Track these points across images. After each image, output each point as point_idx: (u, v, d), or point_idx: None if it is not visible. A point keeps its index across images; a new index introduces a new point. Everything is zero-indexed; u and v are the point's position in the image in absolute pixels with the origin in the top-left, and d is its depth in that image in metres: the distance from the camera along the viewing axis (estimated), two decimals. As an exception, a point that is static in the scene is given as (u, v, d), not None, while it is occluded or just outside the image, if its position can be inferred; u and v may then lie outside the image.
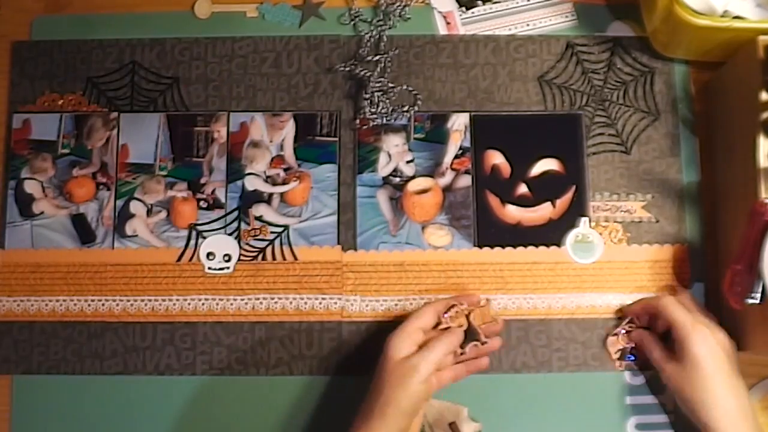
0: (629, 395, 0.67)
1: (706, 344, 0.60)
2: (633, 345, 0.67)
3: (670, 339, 0.63)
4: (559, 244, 0.69)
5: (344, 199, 0.70)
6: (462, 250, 0.69)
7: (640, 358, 0.67)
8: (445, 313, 0.63)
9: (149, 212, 0.71)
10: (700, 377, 0.60)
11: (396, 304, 0.68)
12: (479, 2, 0.74)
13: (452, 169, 0.71)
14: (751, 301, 0.59)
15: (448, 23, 0.74)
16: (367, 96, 0.70)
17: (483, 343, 0.63)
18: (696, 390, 0.60)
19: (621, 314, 0.68)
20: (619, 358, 0.67)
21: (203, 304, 0.69)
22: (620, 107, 0.72)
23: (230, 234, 0.70)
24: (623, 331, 0.67)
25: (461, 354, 0.62)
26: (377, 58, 0.72)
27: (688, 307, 0.64)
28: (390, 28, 0.73)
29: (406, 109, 0.71)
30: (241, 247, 0.70)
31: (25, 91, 0.73)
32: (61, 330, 0.69)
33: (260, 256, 0.70)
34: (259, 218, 0.70)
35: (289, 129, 0.72)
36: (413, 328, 0.61)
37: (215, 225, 0.70)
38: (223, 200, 0.71)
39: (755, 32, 0.61)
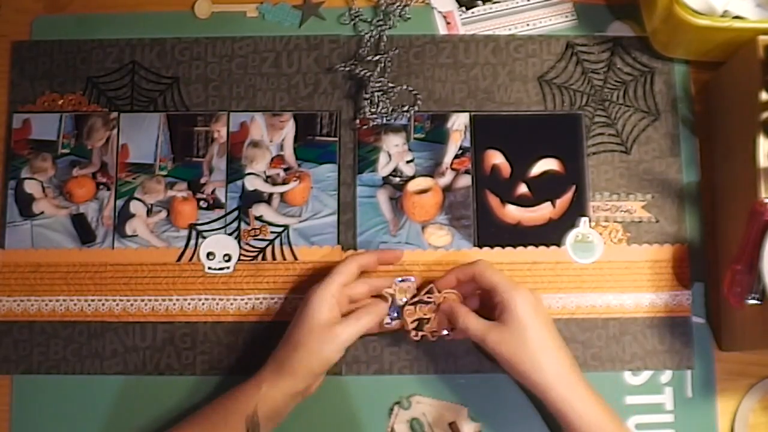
0: (629, 395, 0.67)
1: (531, 304, 0.59)
2: (429, 317, 0.63)
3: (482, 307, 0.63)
4: (559, 244, 0.69)
5: (344, 199, 0.70)
6: (462, 250, 0.69)
7: (444, 329, 0.63)
8: (401, 280, 0.63)
9: (149, 212, 0.71)
10: (530, 339, 0.58)
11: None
12: (479, 2, 0.74)
13: (452, 169, 0.71)
14: (751, 301, 0.59)
15: (448, 23, 0.74)
16: (367, 96, 0.70)
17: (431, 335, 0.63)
18: (527, 352, 0.58)
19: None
20: (415, 329, 0.63)
21: (203, 304, 0.69)
22: (620, 107, 0.72)
23: (230, 234, 0.70)
24: (421, 302, 0.63)
25: (386, 324, 0.63)
26: (377, 58, 0.72)
27: (495, 271, 0.62)
28: (390, 28, 0.73)
29: (406, 109, 0.71)
30: (241, 247, 0.70)
31: (25, 91, 0.73)
32: (61, 330, 0.69)
33: (260, 256, 0.70)
34: (259, 218, 0.70)
35: (289, 129, 0.72)
36: (336, 286, 0.61)
37: (215, 225, 0.70)
38: (223, 200, 0.71)
39: (755, 32, 0.61)
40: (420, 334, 0.64)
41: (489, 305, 0.62)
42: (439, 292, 0.64)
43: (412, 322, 0.63)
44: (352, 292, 0.63)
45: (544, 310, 0.61)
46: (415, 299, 0.64)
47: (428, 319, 0.63)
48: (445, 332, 0.63)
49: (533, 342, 0.59)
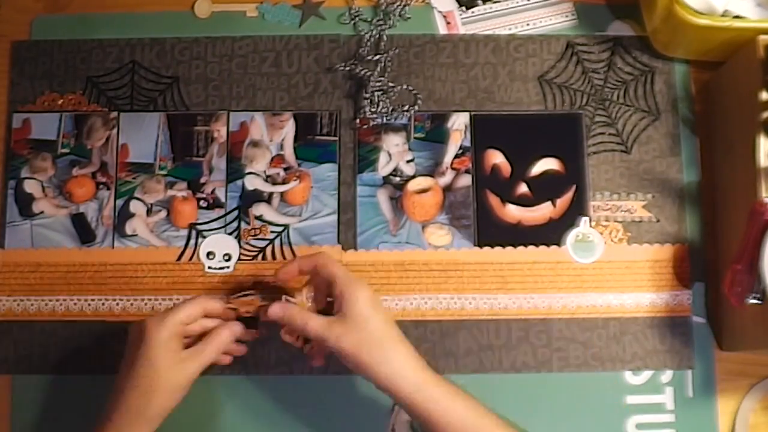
0: (629, 395, 0.67)
1: (370, 298, 0.57)
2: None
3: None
4: (559, 244, 0.69)
5: (344, 198, 0.70)
6: (462, 249, 0.69)
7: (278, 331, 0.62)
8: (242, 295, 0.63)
9: (149, 212, 0.71)
10: (373, 330, 0.56)
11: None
12: (479, 2, 0.74)
13: (452, 169, 0.71)
14: (751, 300, 0.59)
15: (448, 23, 0.74)
16: (367, 95, 0.70)
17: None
18: (371, 344, 0.56)
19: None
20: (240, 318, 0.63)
21: (203, 303, 0.69)
22: (620, 107, 0.72)
23: (230, 233, 0.70)
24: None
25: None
26: (377, 57, 0.72)
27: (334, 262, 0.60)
28: (390, 27, 0.73)
29: (406, 108, 0.71)
30: (241, 247, 0.70)
31: (25, 90, 0.73)
32: (61, 330, 0.69)
33: (260, 256, 0.70)
34: (259, 218, 0.70)
35: (289, 128, 0.72)
36: (177, 322, 0.59)
37: (215, 224, 0.70)
38: (223, 200, 0.71)
39: (755, 32, 0.61)
40: (250, 331, 0.63)
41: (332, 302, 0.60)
42: (279, 280, 0.62)
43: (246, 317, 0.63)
44: (188, 329, 0.61)
45: (381, 304, 0.59)
46: (255, 307, 0.62)
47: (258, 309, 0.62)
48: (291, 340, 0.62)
49: (375, 333, 0.57)
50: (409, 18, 0.74)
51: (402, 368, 0.56)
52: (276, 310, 0.59)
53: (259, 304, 0.63)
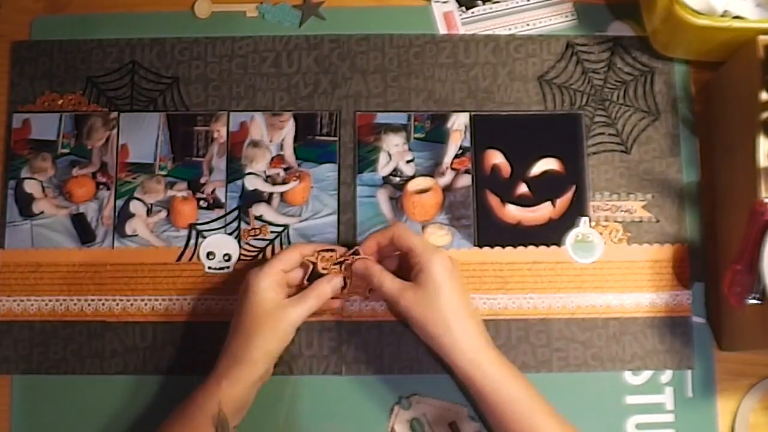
0: (629, 395, 0.67)
1: (447, 269, 0.60)
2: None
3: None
4: (559, 244, 0.69)
5: (344, 198, 0.70)
6: (462, 249, 0.69)
7: (361, 291, 0.65)
8: (325, 250, 0.64)
9: (149, 212, 0.71)
10: (443, 301, 0.59)
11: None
12: (479, 2, 0.74)
13: (452, 169, 0.71)
14: (751, 300, 0.59)
15: (448, 23, 0.74)
16: None
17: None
18: (439, 314, 0.59)
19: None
20: (308, 278, 0.64)
21: (203, 304, 0.69)
22: (620, 107, 0.72)
23: (230, 234, 0.70)
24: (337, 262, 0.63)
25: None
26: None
27: (412, 234, 0.63)
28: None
29: None
30: (241, 247, 0.70)
31: (25, 91, 0.73)
32: (61, 330, 0.69)
33: (260, 256, 0.70)
34: (259, 218, 0.70)
35: (289, 129, 0.72)
36: (277, 270, 0.61)
37: (215, 225, 0.70)
38: (223, 200, 0.71)
39: (755, 32, 0.61)
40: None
41: (406, 268, 0.63)
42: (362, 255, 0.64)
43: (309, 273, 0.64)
44: (290, 277, 0.63)
45: (459, 278, 0.61)
46: (332, 263, 0.64)
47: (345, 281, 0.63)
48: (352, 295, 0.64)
49: (445, 305, 0.59)
50: None
51: (463, 342, 0.59)
52: (359, 265, 0.63)
53: (337, 259, 0.64)
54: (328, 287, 0.63)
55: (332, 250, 0.64)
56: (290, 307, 0.61)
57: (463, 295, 0.61)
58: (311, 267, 0.64)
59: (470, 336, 0.59)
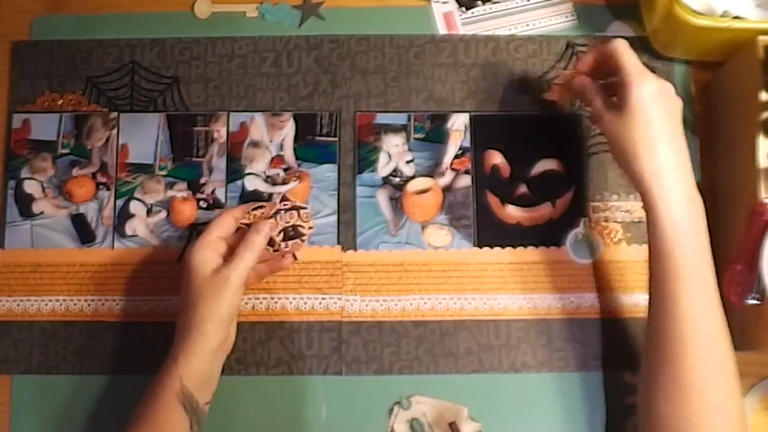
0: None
1: (650, 93, 0.57)
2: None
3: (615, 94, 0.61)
4: (559, 244, 0.69)
5: (344, 199, 0.70)
6: (462, 250, 0.69)
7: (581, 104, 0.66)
8: (253, 208, 0.63)
9: (149, 212, 0.71)
10: (639, 125, 0.57)
11: (396, 304, 0.68)
12: (479, 2, 0.74)
13: (452, 169, 0.71)
14: (751, 300, 0.59)
15: (448, 23, 0.74)
16: None
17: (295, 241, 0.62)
18: (632, 139, 0.57)
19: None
20: (284, 239, 0.63)
21: (203, 304, 0.69)
22: (620, 107, 0.72)
23: (230, 234, 0.70)
24: (278, 211, 0.63)
25: (274, 251, 0.63)
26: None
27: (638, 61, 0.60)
28: None
29: None
30: (241, 247, 0.70)
31: (25, 91, 0.73)
32: (61, 330, 0.69)
33: (260, 256, 0.70)
34: (259, 218, 0.70)
35: (289, 129, 0.72)
36: (213, 239, 0.61)
37: (215, 225, 0.70)
38: (223, 200, 0.71)
39: (755, 32, 0.62)
40: (289, 243, 0.63)
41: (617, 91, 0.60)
42: (576, 71, 0.64)
43: (278, 235, 0.63)
44: (230, 243, 0.62)
45: (665, 104, 0.58)
46: (556, 79, 0.64)
47: (293, 227, 0.63)
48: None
49: (639, 132, 0.57)
50: None
51: (653, 172, 0.56)
52: (578, 81, 0.62)
53: (269, 215, 0.63)
54: (257, 236, 0.61)
55: (262, 207, 0.63)
56: (225, 268, 0.60)
57: (663, 124, 0.57)
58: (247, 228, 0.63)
59: (660, 168, 0.56)
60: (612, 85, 0.62)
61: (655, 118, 0.57)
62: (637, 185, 0.58)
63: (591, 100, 0.61)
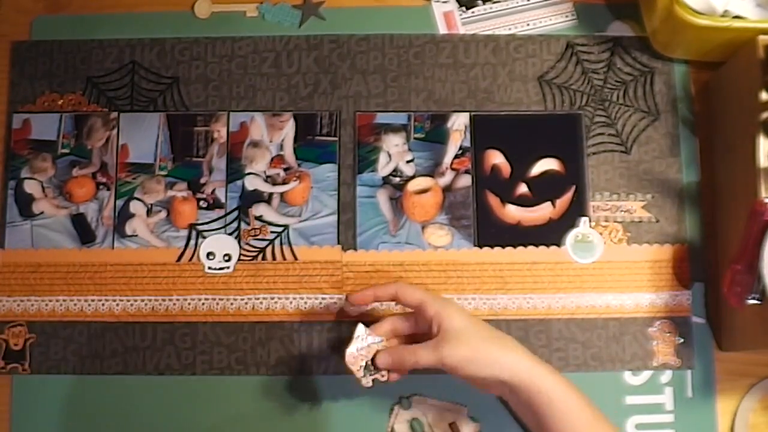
0: (629, 395, 0.67)
1: (463, 312, 0.59)
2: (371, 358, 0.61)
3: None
4: (559, 244, 0.69)
5: (344, 199, 0.70)
6: (462, 250, 0.69)
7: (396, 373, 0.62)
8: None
9: (149, 212, 0.71)
10: (478, 339, 0.58)
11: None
12: (479, 2, 0.74)
13: (452, 169, 0.71)
14: (751, 301, 0.59)
15: (448, 23, 0.74)
16: None
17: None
18: (482, 351, 0.57)
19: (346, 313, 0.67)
20: (364, 375, 0.61)
21: (203, 304, 0.69)
22: (620, 107, 0.72)
23: (230, 234, 0.70)
24: (359, 348, 0.61)
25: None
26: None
27: (412, 290, 0.61)
28: None
29: None
30: (241, 247, 0.70)
31: (25, 91, 0.73)
32: (61, 330, 0.69)
33: (260, 256, 0.70)
34: (259, 218, 0.70)
35: (289, 129, 0.72)
36: None
37: (215, 225, 0.70)
38: (223, 200, 0.71)
39: (755, 32, 0.61)
40: (371, 379, 0.61)
41: (419, 323, 0.62)
42: (353, 305, 0.64)
43: (358, 369, 0.61)
44: None
45: (471, 316, 0.60)
46: (350, 348, 0.61)
47: (372, 360, 0.61)
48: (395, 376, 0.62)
49: (482, 340, 0.58)
50: None
51: (514, 364, 0.57)
52: (384, 359, 0.60)
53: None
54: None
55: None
56: None
57: (490, 329, 0.60)
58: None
59: (517, 357, 0.58)
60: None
61: (482, 325, 0.59)
62: (508, 383, 0.57)
63: (416, 356, 0.59)
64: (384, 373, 0.61)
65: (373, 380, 0.61)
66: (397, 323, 0.63)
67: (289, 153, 0.72)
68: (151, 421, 0.67)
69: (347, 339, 0.61)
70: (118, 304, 0.69)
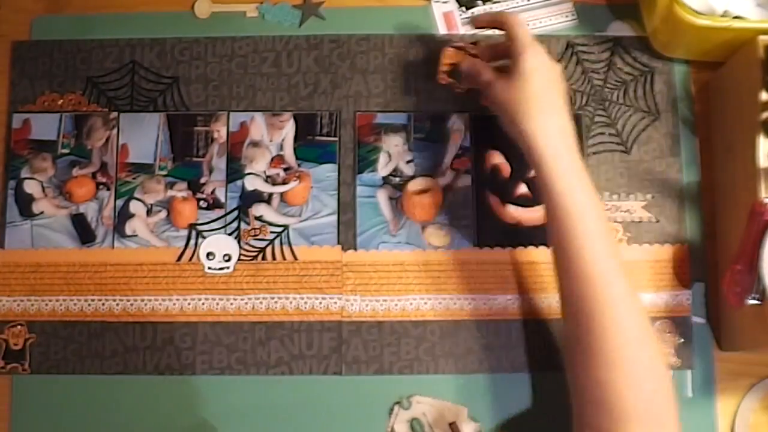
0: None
1: (539, 61, 0.61)
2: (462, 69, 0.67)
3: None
4: (559, 244, 0.69)
5: (344, 198, 0.70)
6: (462, 249, 0.69)
7: (470, 84, 0.67)
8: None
9: (149, 212, 0.71)
10: (530, 88, 0.60)
11: (396, 304, 0.68)
12: (479, 2, 0.74)
13: (452, 169, 0.71)
14: (751, 301, 0.59)
15: (448, 23, 0.74)
16: None
17: None
18: (520, 101, 0.60)
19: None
20: (446, 72, 0.68)
21: (203, 304, 0.69)
22: (620, 107, 0.72)
23: (230, 234, 0.70)
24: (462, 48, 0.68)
25: None
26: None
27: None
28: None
29: None
30: (241, 247, 0.70)
31: (25, 91, 0.73)
32: (61, 330, 0.69)
33: (260, 256, 0.70)
34: (259, 218, 0.70)
35: (289, 129, 0.72)
36: None
37: (215, 225, 0.70)
38: (223, 200, 0.71)
39: (755, 32, 0.61)
40: (448, 79, 0.68)
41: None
42: (477, 22, 0.69)
43: (445, 64, 0.67)
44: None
45: (554, 73, 0.62)
46: (460, 45, 0.68)
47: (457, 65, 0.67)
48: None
49: (530, 94, 0.60)
50: None
51: (548, 129, 0.59)
52: (466, 64, 0.66)
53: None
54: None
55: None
56: None
57: (554, 96, 0.61)
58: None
59: (550, 126, 0.59)
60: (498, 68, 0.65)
61: (542, 83, 0.61)
62: (524, 143, 0.60)
63: (481, 71, 0.64)
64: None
65: (448, 82, 0.68)
66: (488, 19, 0.67)
67: (289, 153, 0.71)
68: (152, 421, 0.67)
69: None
70: (118, 304, 0.69)
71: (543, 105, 0.60)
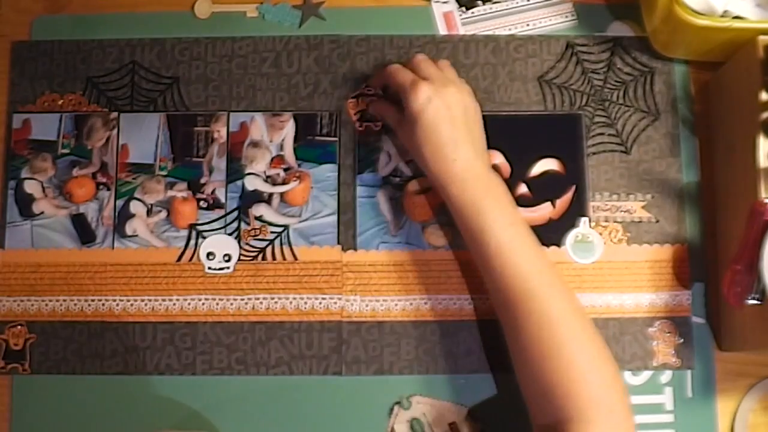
0: (630, 395, 0.67)
1: (423, 99, 0.62)
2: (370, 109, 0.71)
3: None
4: (559, 244, 0.69)
5: (344, 199, 0.70)
6: (462, 250, 0.69)
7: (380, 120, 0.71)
8: None
9: (149, 212, 0.71)
10: (418, 134, 0.62)
11: (396, 304, 0.68)
12: (479, 2, 0.74)
13: (452, 169, 0.71)
14: (751, 301, 0.59)
15: (448, 23, 0.74)
16: None
17: None
18: (418, 146, 0.62)
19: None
20: (359, 119, 0.71)
21: (203, 304, 0.69)
22: (620, 107, 0.72)
23: (230, 234, 0.70)
24: (362, 95, 0.71)
25: None
26: None
27: (423, 68, 0.65)
28: None
29: None
30: (241, 247, 0.70)
31: (25, 91, 0.73)
32: (61, 330, 0.69)
33: (260, 256, 0.70)
34: (259, 218, 0.70)
35: (289, 129, 0.72)
36: None
37: (215, 225, 0.70)
38: (223, 200, 0.71)
39: (755, 32, 0.61)
40: (364, 124, 0.71)
41: None
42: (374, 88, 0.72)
43: (355, 114, 0.71)
44: None
45: (440, 106, 0.62)
46: (357, 92, 0.71)
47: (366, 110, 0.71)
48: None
49: (421, 135, 0.62)
50: None
51: (444, 173, 0.62)
52: (371, 109, 0.71)
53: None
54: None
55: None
56: None
57: (442, 123, 0.62)
58: None
59: (447, 167, 0.62)
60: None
61: (433, 120, 0.62)
62: (433, 183, 0.64)
63: (385, 115, 0.69)
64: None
65: (365, 127, 0.71)
66: (376, 82, 0.71)
67: (289, 153, 0.72)
68: (151, 421, 0.67)
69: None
70: (118, 304, 0.69)
71: (439, 144, 0.62)
